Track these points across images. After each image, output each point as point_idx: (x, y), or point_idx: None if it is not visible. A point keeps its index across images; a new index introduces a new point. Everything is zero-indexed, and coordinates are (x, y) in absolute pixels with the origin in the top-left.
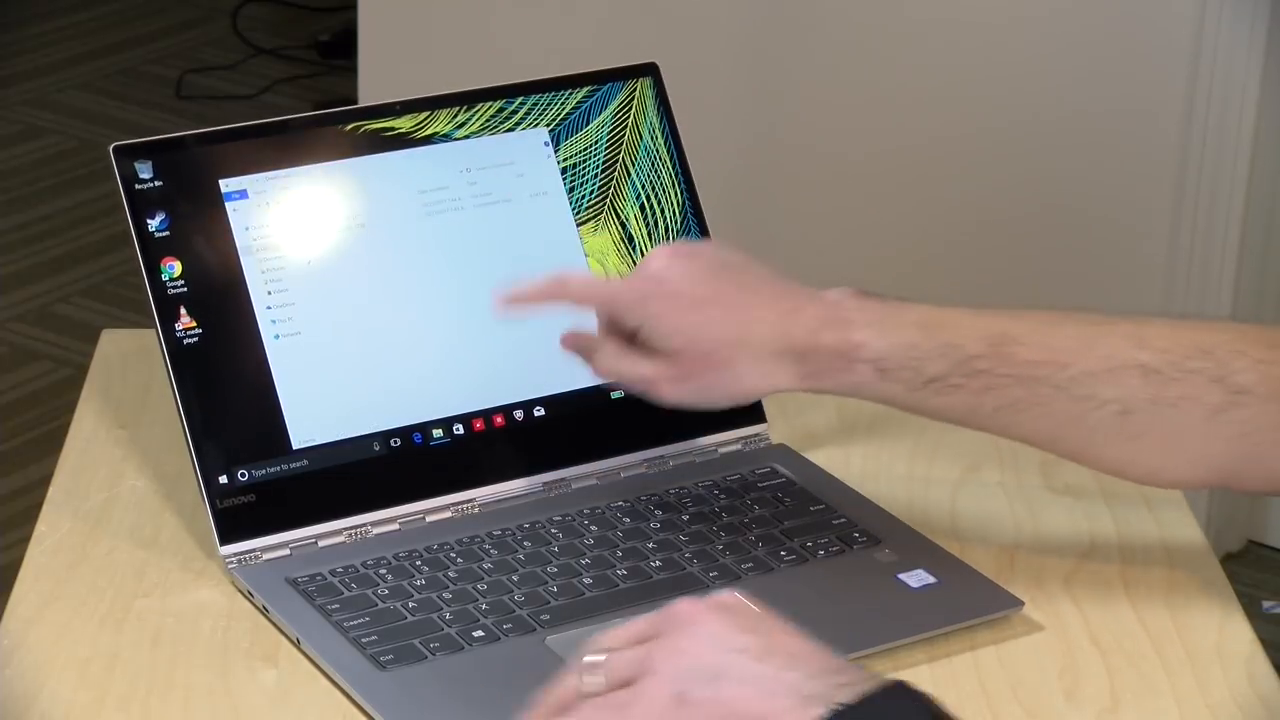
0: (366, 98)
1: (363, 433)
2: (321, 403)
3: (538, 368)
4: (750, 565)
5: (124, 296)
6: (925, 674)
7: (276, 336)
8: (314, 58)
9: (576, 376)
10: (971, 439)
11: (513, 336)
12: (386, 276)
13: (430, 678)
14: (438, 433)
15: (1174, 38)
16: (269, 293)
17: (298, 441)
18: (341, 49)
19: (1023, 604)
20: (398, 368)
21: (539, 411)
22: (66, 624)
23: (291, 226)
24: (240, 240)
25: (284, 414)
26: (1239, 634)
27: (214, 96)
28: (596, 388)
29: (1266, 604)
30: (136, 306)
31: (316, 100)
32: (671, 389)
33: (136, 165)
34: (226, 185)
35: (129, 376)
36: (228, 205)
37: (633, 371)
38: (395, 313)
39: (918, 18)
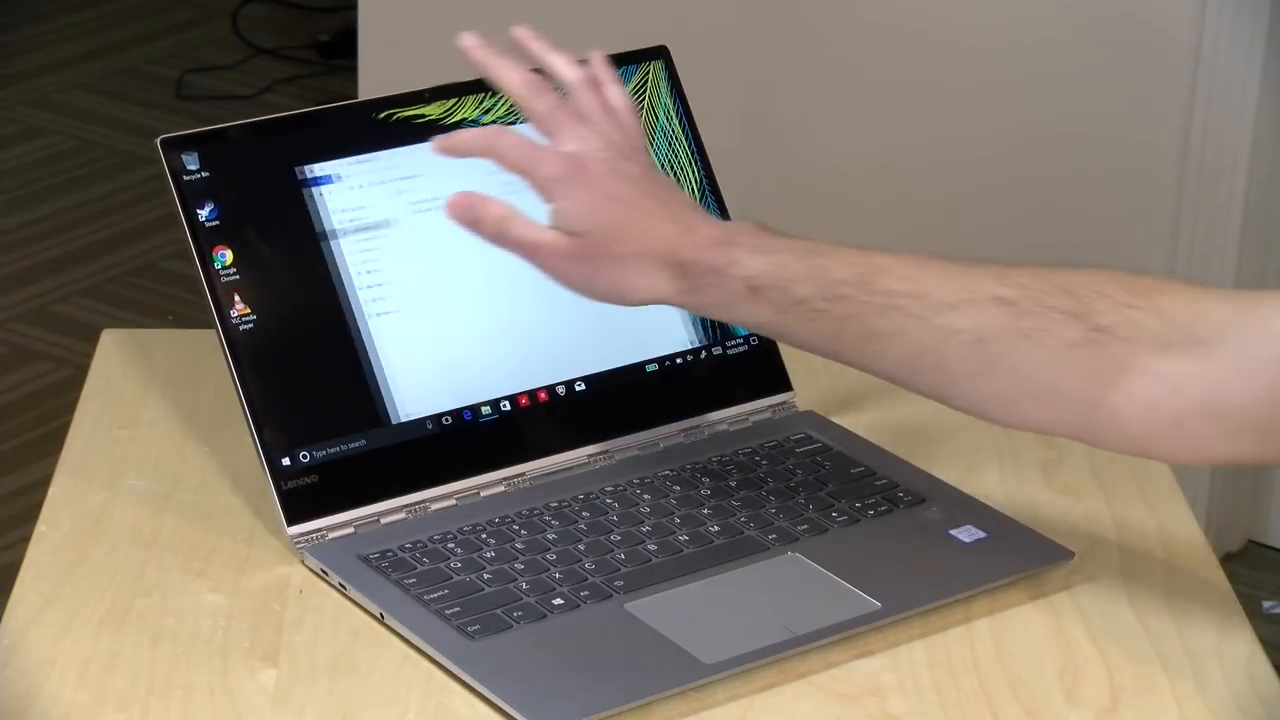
0: (366, 97)
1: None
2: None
3: (577, 346)
4: (805, 527)
5: (124, 296)
6: (924, 675)
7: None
8: (314, 58)
9: (613, 354)
10: (972, 439)
11: (554, 316)
12: (435, 263)
13: (520, 646)
14: (486, 410)
15: (1174, 38)
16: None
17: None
18: (341, 49)
19: (1073, 555)
20: (447, 348)
21: (580, 387)
22: (66, 624)
23: (358, 213)
24: (321, 225)
25: (340, 395)
26: (1239, 634)
27: (214, 96)
28: (632, 364)
29: (1266, 604)
30: (136, 306)
31: (317, 100)
32: (563, 266)
33: (191, 154)
34: (303, 173)
35: (129, 376)
36: (305, 191)
37: (528, 235)
38: (443, 297)
39: (921, 13)
